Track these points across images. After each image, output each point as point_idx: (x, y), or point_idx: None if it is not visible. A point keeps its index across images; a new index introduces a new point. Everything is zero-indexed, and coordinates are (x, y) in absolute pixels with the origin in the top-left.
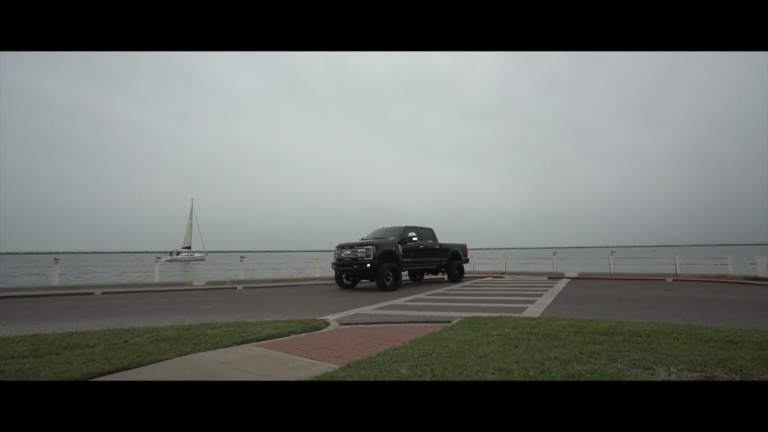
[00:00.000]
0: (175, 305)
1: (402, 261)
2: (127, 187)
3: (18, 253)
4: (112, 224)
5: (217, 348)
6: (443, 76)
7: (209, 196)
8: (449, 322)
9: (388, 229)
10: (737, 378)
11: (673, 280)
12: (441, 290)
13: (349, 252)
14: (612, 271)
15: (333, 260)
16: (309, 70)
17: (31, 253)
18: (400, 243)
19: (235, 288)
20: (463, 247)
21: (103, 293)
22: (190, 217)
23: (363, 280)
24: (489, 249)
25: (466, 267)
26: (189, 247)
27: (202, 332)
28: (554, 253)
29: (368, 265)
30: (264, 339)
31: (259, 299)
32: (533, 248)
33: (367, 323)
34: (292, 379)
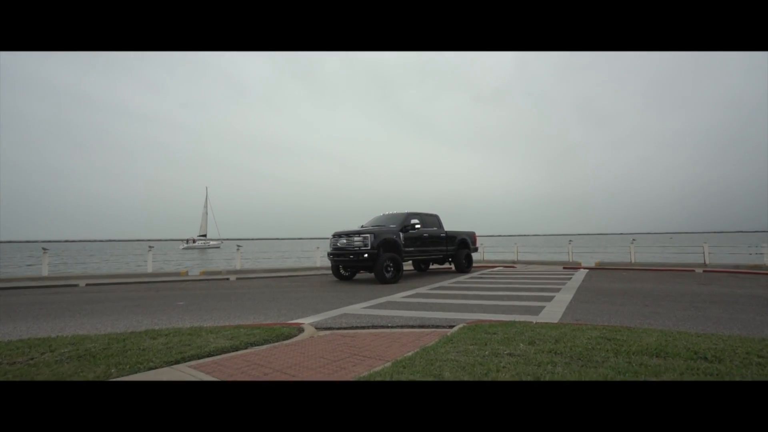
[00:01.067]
0: (148, 300)
1: (403, 250)
2: (142, 177)
3: (36, 242)
4: (128, 213)
5: (137, 372)
6: (457, 57)
7: (223, 184)
8: (451, 327)
9: (389, 215)
10: None
11: (704, 271)
12: (446, 283)
13: (345, 241)
14: (633, 261)
15: (329, 250)
16: (318, 54)
17: (48, 241)
18: (401, 231)
19: (228, 279)
20: (472, 235)
21: (87, 285)
22: (205, 206)
23: (362, 271)
24: (500, 236)
25: (476, 256)
26: (205, 235)
27: (137, 344)
28: (570, 241)
29: (366, 255)
30: (209, 355)
31: (244, 293)
32: (546, 235)
33: (351, 328)
34: None
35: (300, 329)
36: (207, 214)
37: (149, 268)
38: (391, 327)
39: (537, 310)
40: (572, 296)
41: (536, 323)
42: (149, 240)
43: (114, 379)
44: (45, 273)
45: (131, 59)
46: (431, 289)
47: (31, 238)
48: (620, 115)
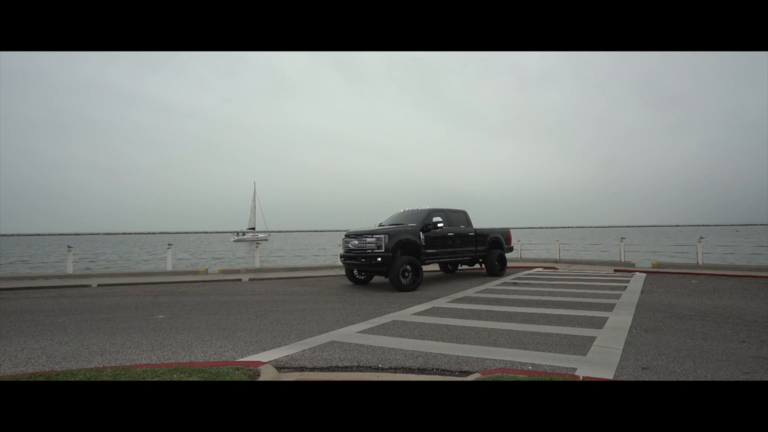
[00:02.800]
0: (132, 311)
1: (424, 252)
2: (193, 171)
3: (99, 234)
4: (186, 207)
5: None
6: None
7: (269, 177)
8: (463, 374)
9: (409, 212)
10: None
11: None
12: (471, 292)
13: (357, 242)
14: (701, 262)
15: (341, 251)
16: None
17: (109, 234)
18: (422, 230)
19: (240, 280)
20: (506, 234)
21: (98, 285)
22: (254, 200)
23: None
24: (540, 228)
25: (512, 254)
26: (253, 228)
27: None
28: (622, 238)
29: (379, 258)
30: None
31: (239, 302)
32: (593, 227)
33: (329, 369)
34: None
35: (255, 373)
36: (255, 207)
37: (168, 266)
38: (381, 370)
39: (584, 345)
40: (631, 319)
41: (583, 380)
42: (204, 233)
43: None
44: (70, 270)
45: (177, 58)
46: (451, 302)
47: (103, 230)
48: (685, 96)
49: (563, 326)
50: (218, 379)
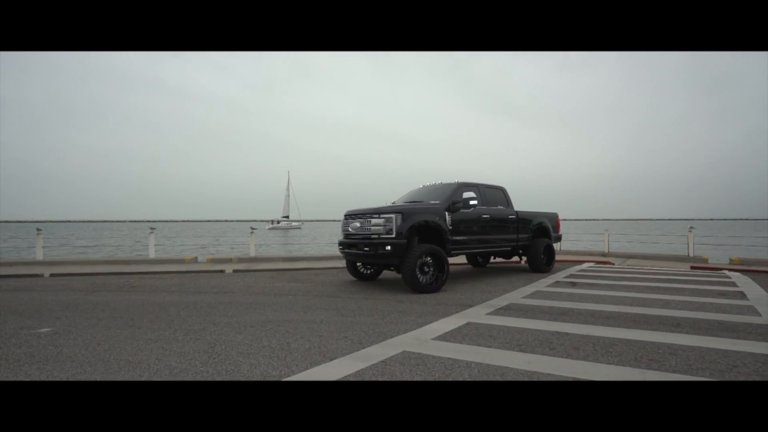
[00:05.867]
0: (27, 315)
1: (450, 239)
2: (225, 161)
3: (125, 221)
4: (218, 195)
5: None
6: None
7: (301, 166)
8: None
9: (431, 188)
10: None
11: None
12: (518, 296)
13: (359, 225)
14: None
15: (340, 237)
16: None
17: (134, 221)
18: (448, 210)
19: (223, 271)
20: (554, 219)
21: (51, 275)
22: (287, 188)
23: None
24: (569, 220)
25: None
26: (287, 216)
27: None
28: (690, 228)
29: (388, 247)
30: None
31: (193, 301)
32: (629, 220)
33: None
34: None
35: None
36: (289, 196)
37: (151, 254)
38: None
39: None
40: None
41: None
42: (241, 221)
43: None
44: (39, 257)
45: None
46: (494, 314)
47: (135, 218)
48: (739, 77)
49: (723, 373)
50: None
